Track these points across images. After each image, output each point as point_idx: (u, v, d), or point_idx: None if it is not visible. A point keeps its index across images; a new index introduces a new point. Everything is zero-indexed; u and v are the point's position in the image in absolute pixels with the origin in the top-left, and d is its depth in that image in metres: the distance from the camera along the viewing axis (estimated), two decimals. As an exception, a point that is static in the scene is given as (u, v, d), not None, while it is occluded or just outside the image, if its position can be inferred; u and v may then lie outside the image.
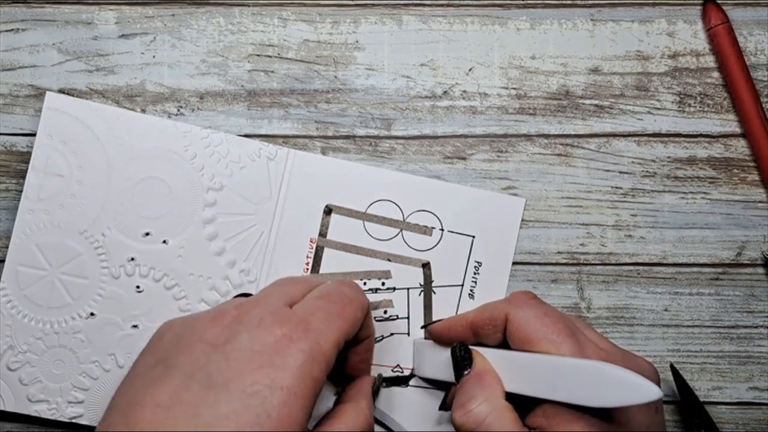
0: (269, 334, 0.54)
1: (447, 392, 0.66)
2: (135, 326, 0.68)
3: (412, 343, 0.69)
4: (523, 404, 0.57)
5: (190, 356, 0.54)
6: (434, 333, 0.66)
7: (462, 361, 0.60)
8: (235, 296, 0.64)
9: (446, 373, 0.63)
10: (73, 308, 0.68)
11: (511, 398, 0.57)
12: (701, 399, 0.69)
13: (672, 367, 0.69)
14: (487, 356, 0.60)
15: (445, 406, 0.67)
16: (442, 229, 0.70)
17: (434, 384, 0.69)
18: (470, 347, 0.61)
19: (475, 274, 0.70)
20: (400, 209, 0.70)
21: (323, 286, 0.60)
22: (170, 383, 0.53)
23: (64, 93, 0.69)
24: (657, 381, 0.59)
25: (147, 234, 0.69)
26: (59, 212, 0.68)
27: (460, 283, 0.70)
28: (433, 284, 0.70)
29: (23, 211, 0.68)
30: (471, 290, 0.70)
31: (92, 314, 0.68)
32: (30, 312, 0.68)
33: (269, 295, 0.58)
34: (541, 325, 0.57)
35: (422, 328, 0.69)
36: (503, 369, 0.59)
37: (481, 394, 0.57)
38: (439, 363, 0.65)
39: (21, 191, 0.69)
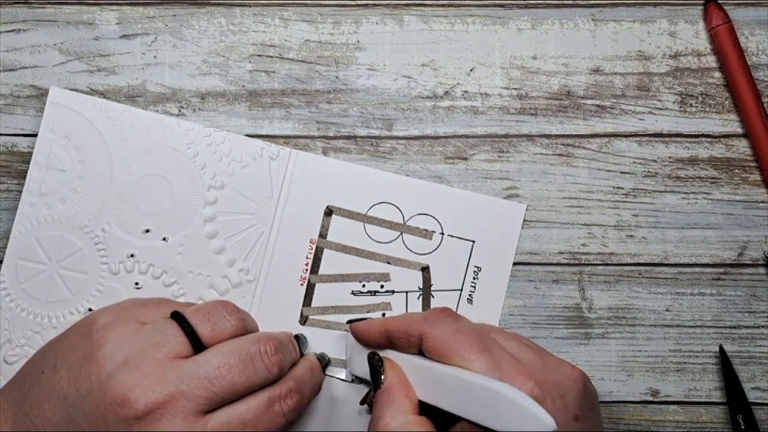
0: None
1: (370, 389, 0.67)
2: (132, 323, 0.68)
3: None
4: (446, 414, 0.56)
5: (90, 427, 0.56)
6: (354, 332, 0.65)
7: (375, 371, 0.60)
8: (173, 314, 0.62)
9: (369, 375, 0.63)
10: (72, 303, 0.68)
11: (432, 408, 0.57)
12: (703, 399, 0.69)
13: (721, 349, 0.69)
14: (403, 364, 0.60)
15: (365, 401, 0.68)
16: (443, 233, 0.70)
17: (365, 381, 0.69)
18: (384, 357, 0.61)
19: (474, 278, 0.70)
20: (401, 212, 0.70)
21: (267, 401, 0.60)
22: None
23: (57, 87, 0.69)
24: (582, 387, 0.57)
25: (147, 231, 0.69)
26: (60, 207, 0.69)
27: (459, 288, 0.70)
28: (432, 288, 0.70)
29: (24, 205, 0.68)
30: (470, 295, 0.70)
31: (90, 309, 0.68)
32: (28, 306, 0.68)
33: (190, 404, 0.57)
34: (454, 342, 0.56)
35: (347, 323, 0.68)
36: (418, 378, 0.59)
37: (388, 412, 0.57)
38: (363, 364, 0.65)
39: (21, 191, 0.69)
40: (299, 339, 0.67)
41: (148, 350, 0.58)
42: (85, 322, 0.61)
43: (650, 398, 0.70)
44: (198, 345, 0.60)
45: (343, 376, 0.69)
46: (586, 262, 0.70)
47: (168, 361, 0.57)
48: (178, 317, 0.61)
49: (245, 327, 0.63)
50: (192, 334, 0.60)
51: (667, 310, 0.70)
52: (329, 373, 0.69)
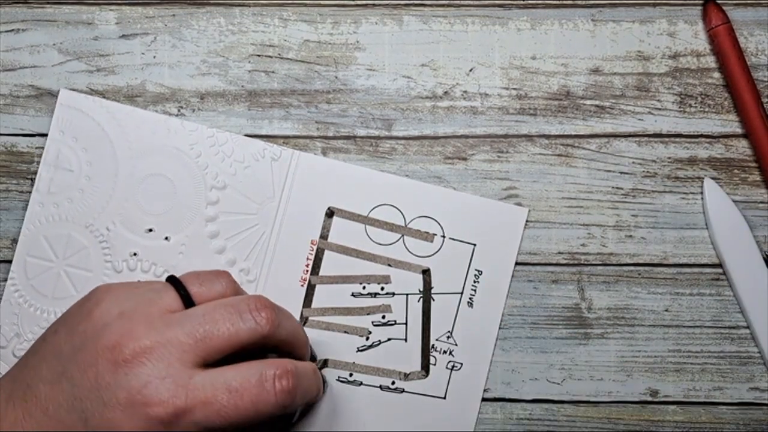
0: (142, 407, 0.55)
1: None
2: (134, 320, 0.68)
3: (408, 348, 0.70)
4: None
5: (81, 377, 0.56)
6: None
7: None
8: (168, 278, 0.63)
9: None
10: (76, 300, 0.68)
11: None
12: (702, 399, 0.70)
13: None
14: None
15: None
16: (444, 236, 0.70)
17: None
18: None
19: (475, 282, 0.70)
20: (402, 214, 0.70)
21: (257, 369, 0.58)
22: (60, 394, 0.57)
23: (67, 89, 0.69)
24: None
25: (150, 230, 0.69)
26: (67, 206, 0.69)
27: (460, 291, 0.70)
28: (433, 291, 0.70)
29: (33, 204, 0.69)
30: (470, 299, 0.70)
31: (93, 307, 0.68)
32: (36, 301, 0.69)
33: (175, 351, 0.57)
34: None
35: None
36: None
37: None
38: None
39: (21, 192, 0.69)
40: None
41: (142, 304, 0.59)
42: (86, 294, 0.62)
43: (649, 398, 0.70)
44: (189, 302, 0.60)
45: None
46: (586, 263, 0.70)
47: (159, 313, 0.58)
48: (171, 279, 0.62)
49: (237, 291, 0.63)
50: (182, 290, 0.61)
51: (667, 311, 0.70)
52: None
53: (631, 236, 0.70)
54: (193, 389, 0.56)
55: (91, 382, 0.56)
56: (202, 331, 0.57)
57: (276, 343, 0.61)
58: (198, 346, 0.57)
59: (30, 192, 0.69)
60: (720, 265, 0.70)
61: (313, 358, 0.68)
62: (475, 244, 0.70)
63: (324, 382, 0.67)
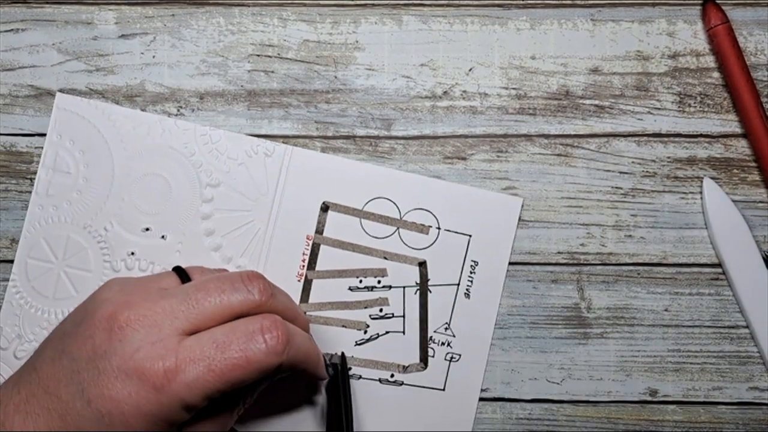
0: (134, 372, 0.55)
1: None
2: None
3: (406, 340, 0.70)
4: None
5: (80, 350, 0.57)
6: None
7: None
8: (175, 267, 0.63)
9: None
10: (77, 300, 0.68)
11: None
12: (701, 399, 0.69)
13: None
14: None
15: None
16: (439, 228, 0.70)
17: None
18: None
19: (471, 273, 0.70)
20: (397, 207, 0.70)
21: (243, 323, 0.58)
22: (60, 370, 0.57)
23: (63, 93, 0.70)
24: None
25: (147, 229, 0.69)
26: (66, 207, 0.69)
27: (456, 282, 0.70)
28: (429, 283, 0.70)
29: (33, 206, 0.69)
30: (467, 290, 0.70)
31: (93, 307, 0.69)
32: (37, 303, 0.69)
33: (167, 318, 0.57)
34: None
35: None
36: None
37: None
38: None
39: (20, 191, 0.70)
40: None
41: (143, 284, 0.60)
42: None
43: (649, 398, 0.70)
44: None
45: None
46: (585, 262, 0.70)
47: (156, 289, 0.60)
48: (175, 268, 0.63)
49: None
50: (183, 275, 0.62)
51: (666, 310, 0.70)
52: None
53: (630, 236, 0.70)
54: (182, 350, 0.56)
55: (88, 354, 0.56)
56: (194, 299, 0.58)
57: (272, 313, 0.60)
58: (189, 313, 0.57)
59: (29, 192, 0.70)
60: (719, 265, 0.70)
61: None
62: (470, 235, 0.69)
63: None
